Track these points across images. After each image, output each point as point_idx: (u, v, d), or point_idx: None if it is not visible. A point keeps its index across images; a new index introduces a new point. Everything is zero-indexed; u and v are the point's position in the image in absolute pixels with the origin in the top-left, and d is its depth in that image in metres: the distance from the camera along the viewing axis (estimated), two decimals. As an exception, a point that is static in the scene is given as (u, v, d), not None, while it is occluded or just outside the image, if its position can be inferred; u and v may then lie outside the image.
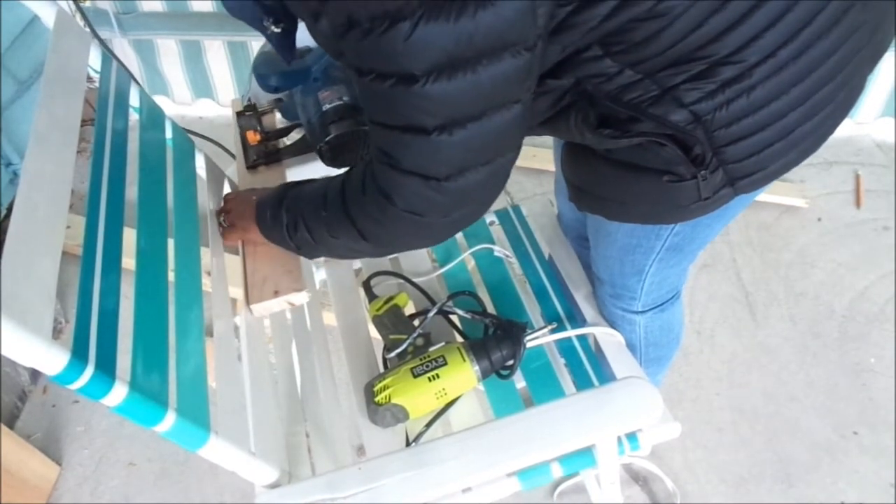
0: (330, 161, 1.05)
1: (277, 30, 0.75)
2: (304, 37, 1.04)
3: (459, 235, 1.20)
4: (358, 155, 1.06)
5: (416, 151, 0.64)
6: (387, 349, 0.97)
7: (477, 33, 0.54)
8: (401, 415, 0.88)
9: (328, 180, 0.84)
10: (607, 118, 0.72)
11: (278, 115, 1.18)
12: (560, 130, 0.77)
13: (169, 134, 1.03)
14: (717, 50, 0.65)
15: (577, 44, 0.66)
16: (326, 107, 1.02)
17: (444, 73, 0.56)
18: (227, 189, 1.14)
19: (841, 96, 0.73)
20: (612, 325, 1.05)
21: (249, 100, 1.15)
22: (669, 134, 0.71)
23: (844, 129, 1.96)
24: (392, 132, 0.63)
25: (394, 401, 0.87)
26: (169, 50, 2.07)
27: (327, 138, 1.01)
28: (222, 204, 1.05)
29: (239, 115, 1.14)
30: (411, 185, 0.67)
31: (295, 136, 1.16)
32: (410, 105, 0.59)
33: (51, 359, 0.56)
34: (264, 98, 1.15)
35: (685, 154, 0.72)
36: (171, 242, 0.87)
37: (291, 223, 0.86)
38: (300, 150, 1.14)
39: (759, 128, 0.70)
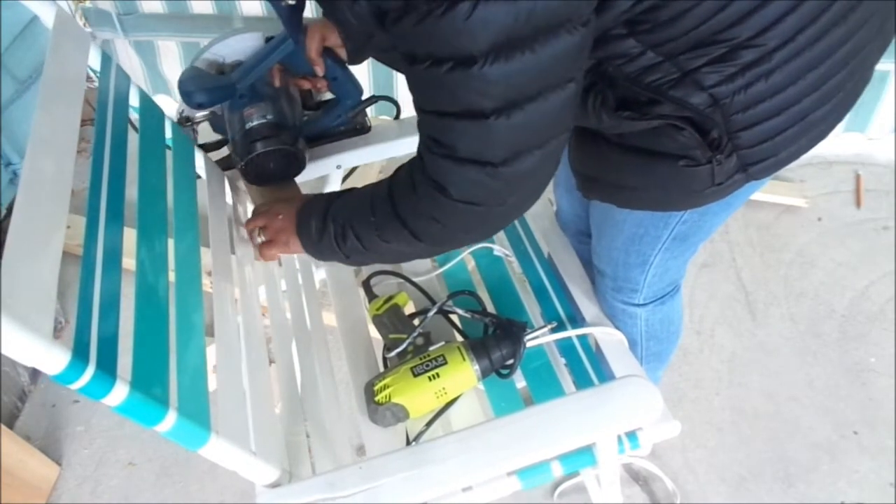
0: (253, 179, 1.03)
1: (292, 2, 0.75)
2: (235, 51, 1.03)
3: (459, 235, 1.20)
4: (281, 174, 1.03)
5: (472, 137, 0.63)
6: (387, 348, 0.97)
7: (535, 10, 0.54)
8: (401, 414, 0.88)
9: (373, 186, 0.82)
10: (626, 101, 0.72)
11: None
12: (576, 114, 0.77)
13: (169, 134, 1.03)
14: (739, 33, 0.66)
15: (606, 26, 0.66)
16: (250, 124, 1.00)
17: (502, 53, 0.56)
18: (226, 189, 1.14)
19: (851, 85, 0.75)
20: (613, 319, 1.05)
21: (182, 112, 1.11)
22: (687, 117, 0.71)
23: (855, 144, 1.97)
24: (447, 120, 0.62)
25: (394, 400, 0.87)
26: (169, 51, 2.07)
27: (250, 156, 0.99)
28: (253, 218, 1.02)
29: (179, 124, 1.12)
30: (467, 173, 0.66)
31: (226, 150, 1.12)
32: (468, 89, 0.58)
33: (51, 358, 0.56)
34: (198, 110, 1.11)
35: (702, 138, 0.72)
36: (171, 242, 0.87)
37: (339, 233, 0.84)
38: (228, 166, 1.12)
39: (774, 112, 0.71)
